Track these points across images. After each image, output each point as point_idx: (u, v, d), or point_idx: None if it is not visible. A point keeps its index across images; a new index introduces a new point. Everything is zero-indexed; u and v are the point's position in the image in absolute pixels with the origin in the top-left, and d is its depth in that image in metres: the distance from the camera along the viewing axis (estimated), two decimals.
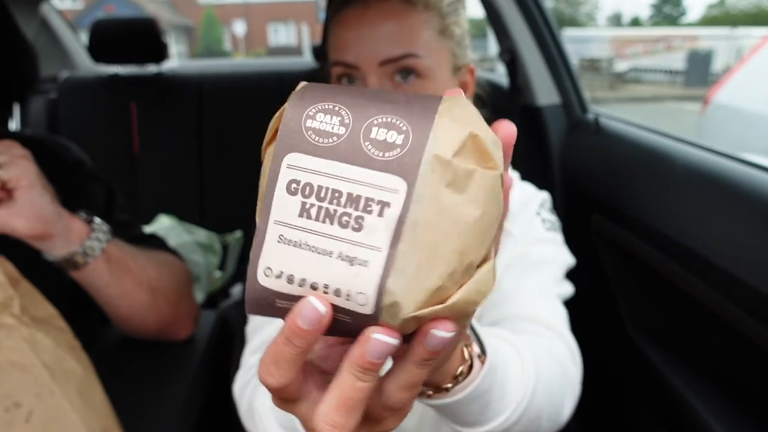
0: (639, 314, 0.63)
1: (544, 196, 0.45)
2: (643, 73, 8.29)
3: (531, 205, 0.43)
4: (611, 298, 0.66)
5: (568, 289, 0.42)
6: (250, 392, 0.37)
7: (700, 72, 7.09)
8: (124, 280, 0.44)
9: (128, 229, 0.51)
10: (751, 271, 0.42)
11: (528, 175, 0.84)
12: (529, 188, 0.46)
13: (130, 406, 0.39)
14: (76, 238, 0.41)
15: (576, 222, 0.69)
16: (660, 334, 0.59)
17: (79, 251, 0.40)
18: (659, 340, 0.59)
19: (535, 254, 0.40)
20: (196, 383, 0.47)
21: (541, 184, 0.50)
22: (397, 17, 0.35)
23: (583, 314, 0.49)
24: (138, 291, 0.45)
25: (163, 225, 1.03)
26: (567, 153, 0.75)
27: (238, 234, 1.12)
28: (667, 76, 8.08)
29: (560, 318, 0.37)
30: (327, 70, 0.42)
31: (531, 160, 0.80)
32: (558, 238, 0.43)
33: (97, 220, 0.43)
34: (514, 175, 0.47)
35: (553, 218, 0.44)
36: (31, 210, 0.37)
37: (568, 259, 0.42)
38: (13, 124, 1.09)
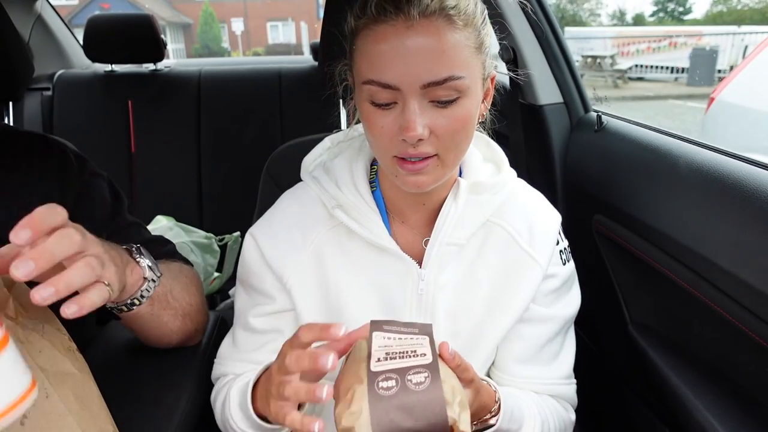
0: (641, 314, 0.63)
1: (559, 217, 0.46)
2: (647, 71, 8.24)
3: (552, 233, 0.45)
4: (613, 298, 0.66)
5: (573, 341, 0.48)
6: (224, 393, 0.43)
7: (704, 70, 7.03)
8: (162, 315, 0.43)
9: (139, 230, 0.50)
10: (754, 272, 0.42)
11: (530, 174, 0.83)
12: (545, 205, 0.47)
13: (127, 408, 0.39)
14: (132, 288, 0.39)
15: (578, 222, 0.69)
16: (662, 335, 0.59)
17: (128, 301, 0.39)
18: (661, 341, 0.58)
19: (555, 315, 0.44)
20: (195, 383, 0.47)
21: (543, 184, 0.50)
22: (440, 36, 0.34)
23: (584, 314, 0.49)
24: (173, 321, 0.45)
25: (161, 226, 1.03)
26: (569, 152, 0.75)
27: (236, 234, 1.11)
28: (671, 74, 8.03)
29: (568, 380, 0.47)
30: (333, 72, 0.42)
31: (533, 159, 0.79)
32: (571, 268, 0.47)
33: (149, 264, 0.40)
34: (522, 183, 0.47)
35: (566, 243, 0.47)
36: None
37: (577, 302, 0.47)
38: (7, 122, 1.08)
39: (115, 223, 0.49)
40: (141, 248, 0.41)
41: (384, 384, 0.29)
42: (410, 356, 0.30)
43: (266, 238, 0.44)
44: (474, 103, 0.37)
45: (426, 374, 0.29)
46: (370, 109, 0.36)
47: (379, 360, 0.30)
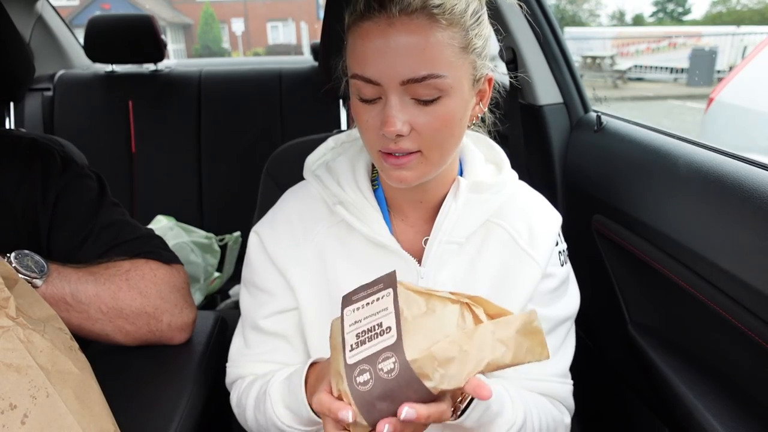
0: (641, 314, 0.63)
1: (559, 219, 0.46)
2: (646, 72, 8.25)
3: (551, 234, 0.45)
4: (613, 298, 0.66)
5: (572, 341, 0.47)
6: (255, 392, 0.42)
7: (703, 70, 7.04)
8: (68, 317, 0.43)
9: (118, 231, 0.49)
10: (754, 272, 0.42)
11: (530, 174, 0.83)
12: (546, 205, 0.47)
13: (128, 408, 0.39)
14: None
15: (577, 222, 0.69)
16: (662, 335, 0.59)
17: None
18: (661, 341, 0.58)
19: (553, 316, 0.44)
20: (195, 383, 0.47)
21: (542, 184, 0.50)
22: (421, 35, 0.34)
23: (584, 314, 0.49)
24: (89, 324, 0.44)
25: (161, 226, 1.03)
26: (569, 152, 0.75)
27: (236, 234, 1.11)
28: (670, 75, 8.04)
29: (564, 381, 0.46)
30: (334, 69, 0.42)
31: (533, 159, 0.79)
32: (568, 269, 0.47)
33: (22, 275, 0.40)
34: (523, 185, 0.47)
35: (564, 245, 0.47)
36: None
37: (576, 303, 0.47)
38: (8, 123, 1.09)
39: (95, 223, 0.49)
40: (15, 257, 0.41)
41: (360, 379, 0.29)
42: (377, 335, 0.30)
43: (269, 235, 0.44)
44: (459, 103, 0.37)
45: (393, 360, 0.29)
46: (357, 103, 0.37)
47: (351, 348, 0.30)
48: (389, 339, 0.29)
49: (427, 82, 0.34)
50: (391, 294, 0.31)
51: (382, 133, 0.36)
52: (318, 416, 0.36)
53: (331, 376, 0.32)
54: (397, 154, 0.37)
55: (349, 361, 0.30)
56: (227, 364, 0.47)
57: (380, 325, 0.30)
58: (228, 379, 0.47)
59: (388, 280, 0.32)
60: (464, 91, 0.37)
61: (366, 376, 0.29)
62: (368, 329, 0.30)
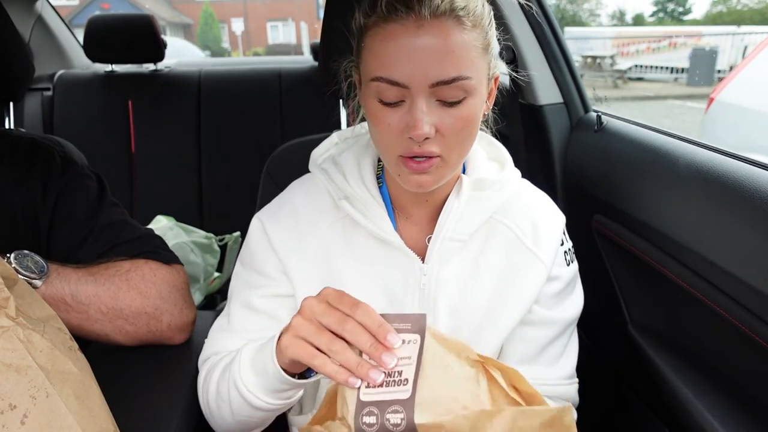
0: (641, 314, 0.63)
1: (563, 218, 0.46)
2: (647, 71, 8.26)
3: (556, 233, 0.44)
4: (613, 297, 0.66)
5: (576, 341, 0.47)
6: (225, 363, 0.41)
7: (704, 70, 7.04)
8: (68, 317, 0.42)
9: (118, 231, 0.49)
10: (754, 272, 0.42)
11: (530, 174, 0.84)
12: (550, 205, 0.47)
13: (128, 408, 0.39)
14: None
15: (578, 221, 0.69)
16: (662, 335, 0.59)
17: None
18: (661, 341, 0.58)
19: (560, 318, 0.44)
20: (195, 383, 0.47)
21: (543, 184, 0.50)
22: (449, 37, 0.34)
23: (585, 314, 0.49)
24: (89, 324, 0.44)
25: (161, 226, 1.03)
26: (569, 152, 0.75)
27: (236, 234, 1.11)
28: (670, 74, 8.04)
29: (571, 381, 0.46)
30: (337, 69, 0.42)
31: (533, 159, 0.79)
32: (575, 269, 0.47)
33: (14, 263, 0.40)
34: (526, 183, 0.48)
35: (570, 243, 0.47)
36: None
37: (580, 302, 0.47)
38: (8, 123, 1.09)
39: (95, 223, 0.49)
40: (14, 257, 0.41)
41: (366, 420, 0.30)
42: (394, 382, 0.30)
43: (273, 223, 0.44)
44: (479, 104, 0.37)
45: (401, 416, 0.29)
46: (377, 106, 0.37)
47: (368, 385, 0.31)
48: (403, 393, 0.29)
49: (455, 84, 0.35)
50: (418, 342, 0.31)
51: (408, 136, 0.35)
52: (287, 374, 0.34)
53: (338, 397, 0.31)
54: (418, 159, 0.37)
55: (362, 398, 0.30)
56: (205, 341, 0.45)
57: (400, 373, 0.30)
58: (201, 356, 0.45)
59: (417, 324, 0.31)
60: (483, 91, 0.38)
61: (373, 419, 0.29)
62: (388, 373, 0.31)
